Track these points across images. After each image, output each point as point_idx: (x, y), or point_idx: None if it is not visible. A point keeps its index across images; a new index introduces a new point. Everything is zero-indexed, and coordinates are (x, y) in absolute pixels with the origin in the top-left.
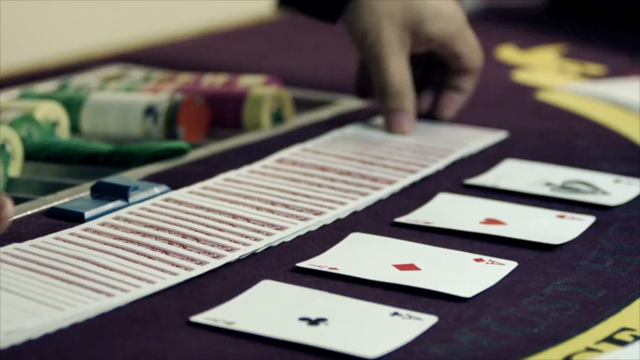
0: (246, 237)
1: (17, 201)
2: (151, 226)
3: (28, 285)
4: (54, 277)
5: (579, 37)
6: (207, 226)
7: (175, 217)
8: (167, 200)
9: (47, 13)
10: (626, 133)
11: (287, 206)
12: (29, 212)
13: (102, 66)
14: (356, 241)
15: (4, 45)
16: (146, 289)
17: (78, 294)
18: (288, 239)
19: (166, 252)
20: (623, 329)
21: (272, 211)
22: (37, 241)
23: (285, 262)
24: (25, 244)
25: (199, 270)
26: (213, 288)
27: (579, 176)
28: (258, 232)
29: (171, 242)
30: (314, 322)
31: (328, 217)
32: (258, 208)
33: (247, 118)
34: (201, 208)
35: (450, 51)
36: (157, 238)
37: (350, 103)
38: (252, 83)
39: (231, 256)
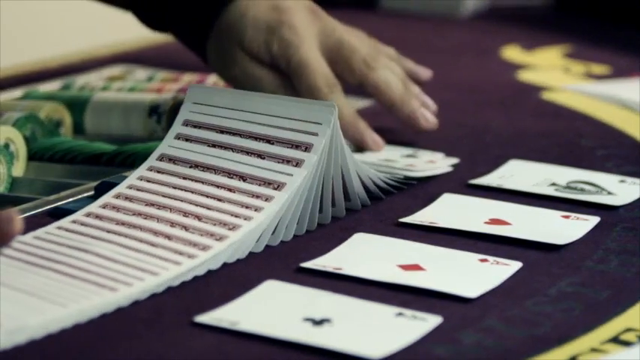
0: (247, 207)
1: (21, 201)
2: (152, 205)
3: (31, 281)
4: (57, 272)
5: (584, 37)
6: (209, 196)
7: (174, 188)
8: (161, 172)
9: (50, 13)
10: (631, 133)
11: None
12: (33, 212)
13: (105, 66)
14: (360, 241)
15: (8, 45)
16: (150, 282)
17: (81, 289)
18: (293, 200)
19: (169, 237)
20: (628, 330)
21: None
22: (40, 232)
23: (289, 262)
24: (28, 237)
25: (203, 256)
26: (217, 288)
27: (584, 176)
28: (257, 196)
29: (173, 224)
30: (318, 323)
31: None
32: (244, 180)
33: None
34: (201, 181)
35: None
36: (158, 220)
37: (353, 103)
38: None
39: (234, 236)
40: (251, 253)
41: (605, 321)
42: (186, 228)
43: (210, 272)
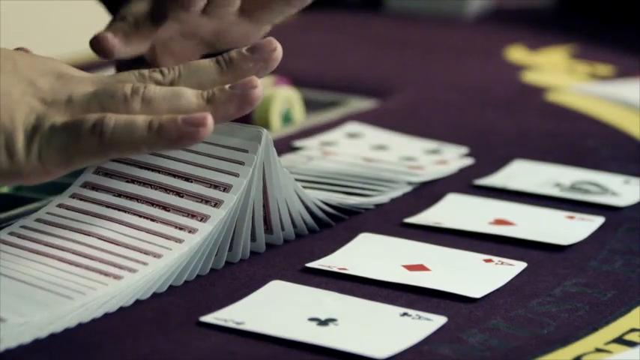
0: (237, 162)
1: (27, 201)
2: (146, 168)
3: (35, 271)
4: (61, 260)
5: (589, 37)
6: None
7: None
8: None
9: (52, 13)
10: (636, 133)
11: None
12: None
13: (107, 67)
14: (365, 241)
15: (8, 45)
16: (154, 265)
17: (86, 278)
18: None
19: (166, 208)
20: (633, 330)
21: None
22: (41, 212)
23: (294, 262)
24: (29, 220)
25: (203, 230)
26: (223, 288)
27: (589, 177)
28: (244, 150)
29: (167, 190)
30: (323, 323)
31: None
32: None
33: (256, 119)
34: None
35: None
36: (152, 186)
37: (359, 104)
38: (262, 83)
39: (229, 199)
40: (257, 254)
41: (610, 321)
42: (179, 194)
43: (215, 272)
